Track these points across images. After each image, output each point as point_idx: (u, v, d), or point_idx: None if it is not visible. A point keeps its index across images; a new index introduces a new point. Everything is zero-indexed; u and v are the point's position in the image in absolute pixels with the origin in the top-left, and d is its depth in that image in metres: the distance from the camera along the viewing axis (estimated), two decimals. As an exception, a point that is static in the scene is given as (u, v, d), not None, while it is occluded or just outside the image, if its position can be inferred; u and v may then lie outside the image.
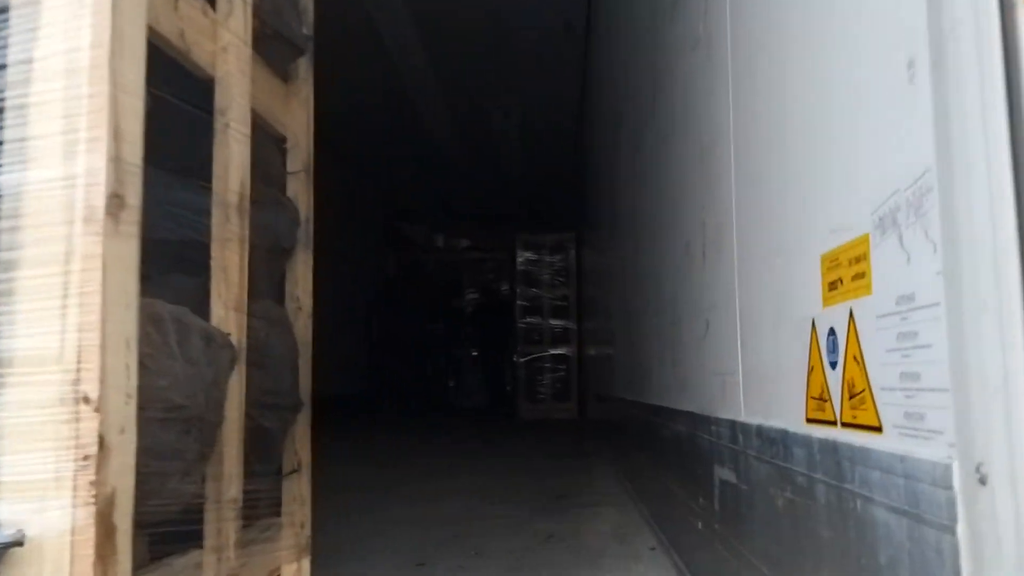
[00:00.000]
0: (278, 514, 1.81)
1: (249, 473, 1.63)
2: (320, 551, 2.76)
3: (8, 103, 1.13)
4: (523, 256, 11.80)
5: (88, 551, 1.08)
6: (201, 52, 1.44)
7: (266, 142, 1.75)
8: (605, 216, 6.40)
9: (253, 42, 1.61)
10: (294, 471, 1.84)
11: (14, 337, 1.10)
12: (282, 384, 1.72)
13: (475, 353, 12.91)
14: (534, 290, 11.79)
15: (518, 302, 11.84)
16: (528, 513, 3.58)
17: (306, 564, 1.87)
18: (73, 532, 1.07)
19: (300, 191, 1.90)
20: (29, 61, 1.13)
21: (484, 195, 13.10)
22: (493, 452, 6.55)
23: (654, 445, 3.27)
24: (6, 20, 1.14)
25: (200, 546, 1.45)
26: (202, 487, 1.42)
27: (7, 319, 1.10)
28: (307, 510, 1.89)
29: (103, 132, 1.11)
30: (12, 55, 1.13)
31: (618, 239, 5.25)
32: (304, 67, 1.94)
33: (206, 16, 1.46)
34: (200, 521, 1.45)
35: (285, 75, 1.88)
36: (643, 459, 3.67)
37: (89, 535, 1.08)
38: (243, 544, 1.59)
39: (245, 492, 1.60)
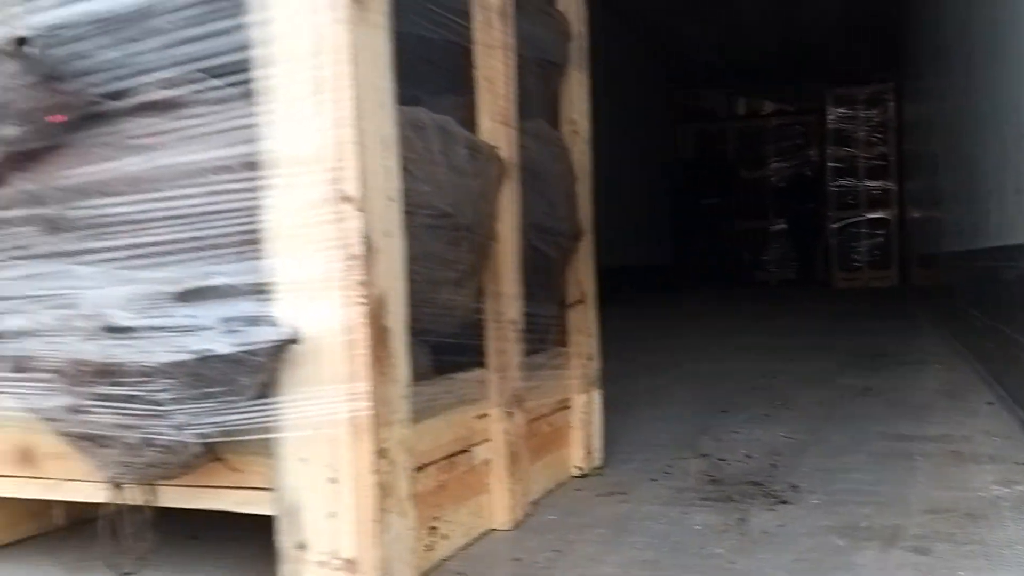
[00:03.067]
0: (564, 344, 1.75)
1: (530, 298, 1.58)
2: (624, 400, 2.73)
3: (254, -102, 1.09)
4: (834, 113, 10.86)
5: (362, 350, 1.06)
6: None
7: (531, -50, 1.62)
8: (930, 54, 5.64)
9: None
10: (579, 302, 1.77)
11: (274, 137, 1.08)
12: (558, 209, 1.63)
13: (783, 222, 12.26)
14: (847, 150, 10.85)
15: (829, 163, 10.98)
16: (839, 369, 3.31)
17: (596, 396, 1.81)
18: (346, 331, 1.06)
19: (571, 4, 1.76)
20: None
21: (788, 53, 12.14)
22: (801, 317, 6.20)
23: (992, 295, 2.85)
24: None
25: (483, 364, 1.42)
26: (479, 303, 1.37)
27: (267, 119, 1.08)
28: (594, 343, 1.82)
29: (343, -89, 1.04)
30: None
31: (945, 73, 4.60)
32: None
33: None
34: (481, 339, 1.42)
35: None
36: (978, 314, 3.23)
37: (362, 335, 1.06)
38: (529, 368, 1.55)
39: (527, 317, 1.55)
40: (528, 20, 1.55)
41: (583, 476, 1.76)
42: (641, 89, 11.79)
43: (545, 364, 1.63)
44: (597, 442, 1.81)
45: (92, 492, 1.21)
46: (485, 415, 1.41)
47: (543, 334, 1.67)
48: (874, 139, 10.76)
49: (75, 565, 1.33)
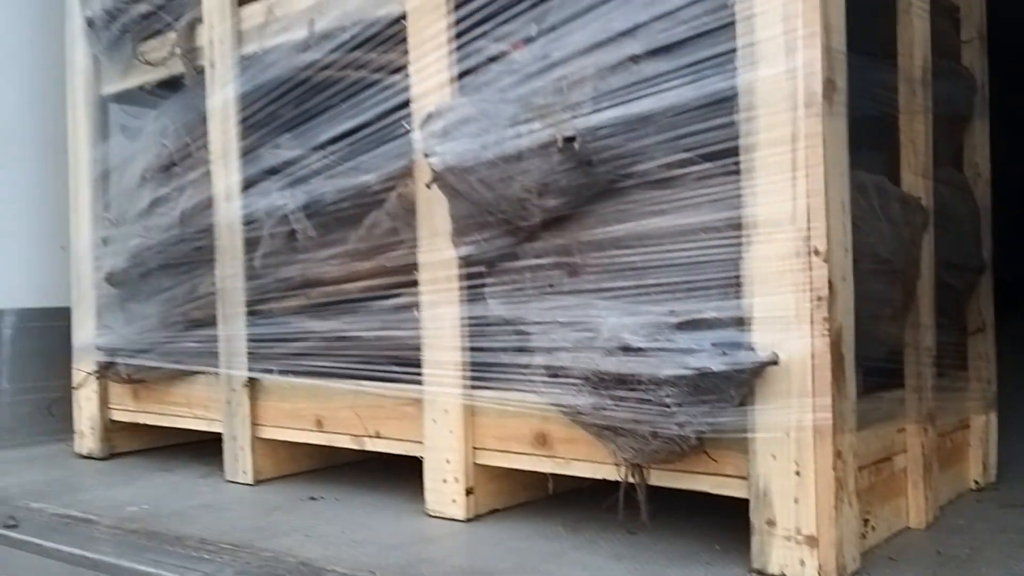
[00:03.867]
0: (965, 368, 1.92)
1: (938, 327, 1.78)
2: (1006, 420, 2.77)
3: (738, 16, 1.41)
4: None
5: (825, 373, 1.35)
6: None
7: (940, 13, 1.81)
8: None
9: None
10: (979, 330, 1.92)
11: (755, 205, 1.39)
12: (965, 246, 1.81)
13: None
14: None
15: None
16: None
17: (993, 418, 1.95)
18: (812, 357, 1.35)
19: (974, 59, 1.92)
20: (753, -19, 1.40)
21: None
22: None
23: None
24: (732, -49, 1.41)
25: (902, 386, 1.65)
26: (903, 334, 1.60)
27: (750, 191, 1.40)
28: (992, 368, 1.96)
29: (816, 28, 1.33)
30: (739, -21, 1.40)
31: None
32: (973, -69, 1.94)
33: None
34: (901, 363, 1.65)
35: (954, -57, 1.90)
36: None
37: (825, 360, 1.35)
38: (938, 389, 1.75)
39: (936, 344, 1.75)
40: (941, 81, 1.75)
41: (979, 490, 1.91)
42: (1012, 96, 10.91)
43: (950, 387, 1.82)
44: (992, 459, 1.95)
45: (594, 470, 1.61)
46: (903, 429, 1.64)
47: (947, 360, 1.86)
48: None
49: (573, 525, 1.74)
